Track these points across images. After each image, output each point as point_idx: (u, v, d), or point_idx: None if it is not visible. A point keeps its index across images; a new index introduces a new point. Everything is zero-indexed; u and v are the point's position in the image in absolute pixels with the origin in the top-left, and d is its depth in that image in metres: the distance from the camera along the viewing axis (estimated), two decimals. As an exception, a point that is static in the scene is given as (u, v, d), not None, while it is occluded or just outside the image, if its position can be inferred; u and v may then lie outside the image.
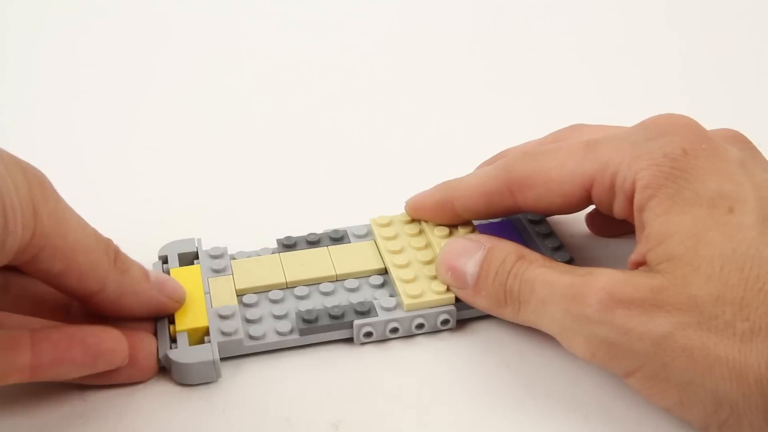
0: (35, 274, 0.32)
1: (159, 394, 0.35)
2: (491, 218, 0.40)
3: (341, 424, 0.33)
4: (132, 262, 0.34)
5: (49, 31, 0.64)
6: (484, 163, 0.42)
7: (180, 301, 0.36)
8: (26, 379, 0.32)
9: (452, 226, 0.40)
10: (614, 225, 0.41)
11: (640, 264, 0.32)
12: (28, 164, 0.30)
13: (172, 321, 0.36)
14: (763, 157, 0.36)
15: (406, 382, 0.35)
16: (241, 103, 0.56)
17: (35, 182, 0.30)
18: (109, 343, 0.33)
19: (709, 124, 0.34)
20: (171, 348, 0.35)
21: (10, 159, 0.29)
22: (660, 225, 0.31)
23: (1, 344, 0.31)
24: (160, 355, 0.35)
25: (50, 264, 0.31)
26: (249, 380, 0.35)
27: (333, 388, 0.35)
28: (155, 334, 0.35)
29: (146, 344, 0.35)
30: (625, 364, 0.31)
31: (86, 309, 0.34)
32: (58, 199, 0.31)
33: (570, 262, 0.39)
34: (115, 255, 0.33)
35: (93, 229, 0.33)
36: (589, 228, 0.42)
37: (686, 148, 0.32)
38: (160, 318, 0.36)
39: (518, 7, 0.66)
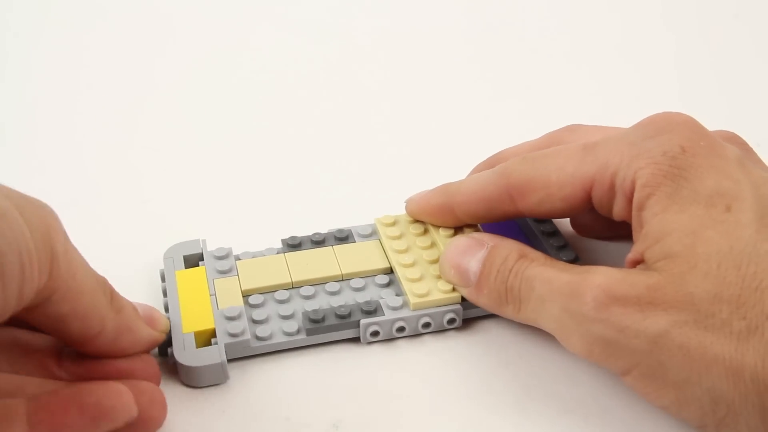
0: (39, 318, 0.30)
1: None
2: (492, 222, 0.40)
3: (341, 423, 0.34)
4: (124, 301, 0.32)
5: (51, 32, 0.64)
6: (480, 164, 0.42)
7: (166, 331, 0.35)
8: None
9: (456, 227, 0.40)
10: (598, 226, 0.41)
11: (637, 262, 0.32)
12: (40, 202, 0.29)
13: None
14: (759, 158, 0.35)
15: (412, 381, 0.35)
16: (245, 103, 0.56)
17: (51, 221, 0.28)
18: (110, 401, 0.30)
19: (709, 125, 0.34)
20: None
21: (24, 200, 0.28)
22: (658, 223, 0.31)
23: None
24: (169, 356, 0.35)
25: (59, 306, 0.29)
26: (252, 380, 0.35)
27: (336, 387, 0.35)
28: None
29: (152, 395, 0.32)
30: (622, 362, 0.31)
31: (82, 352, 0.32)
32: (66, 237, 0.29)
33: (575, 260, 0.39)
34: (111, 295, 0.31)
35: (91, 267, 0.31)
36: (573, 227, 0.42)
37: (684, 146, 0.32)
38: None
39: (518, 7, 0.66)
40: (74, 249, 0.30)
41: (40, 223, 0.27)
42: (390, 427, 0.34)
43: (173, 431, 0.33)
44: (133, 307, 0.33)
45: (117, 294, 0.32)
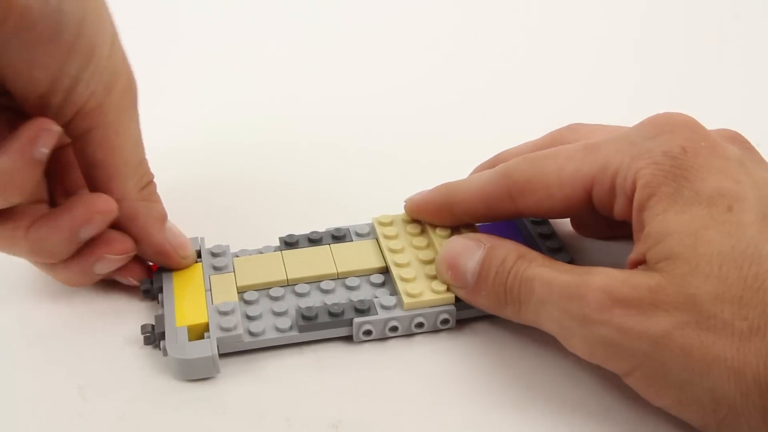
0: (79, 153, 0.35)
1: (159, 394, 0.35)
2: (492, 222, 0.40)
3: (341, 424, 0.33)
4: (158, 201, 0.38)
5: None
6: (480, 165, 0.42)
7: (185, 258, 0.38)
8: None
9: (454, 227, 0.40)
10: (598, 225, 0.41)
11: (638, 263, 0.32)
12: (128, 70, 0.36)
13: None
14: (761, 157, 0.35)
15: (405, 381, 0.35)
16: (243, 101, 0.56)
17: (125, 83, 0.35)
18: (96, 206, 0.35)
19: (709, 125, 0.34)
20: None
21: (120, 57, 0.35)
22: (659, 224, 0.31)
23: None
24: (162, 349, 0.35)
25: (94, 149, 0.35)
26: (249, 380, 0.35)
27: (333, 387, 0.35)
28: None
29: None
30: (624, 363, 0.31)
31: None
32: (130, 106, 0.35)
33: (571, 263, 0.39)
34: (146, 184, 0.37)
35: (143, 154, 0.36)
36: (574, 227, 0.42)
37: (685, 147, 0.32)
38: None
39: (518, 6, 0.66)
40: (134, 122, 0.36)
41: (117, 81, 0.35)
42: (391, 428, 0.33)
43: (173, 430, 0.33)
44: (162, 213, 0.38)
45: (154, 191, 0.38)
